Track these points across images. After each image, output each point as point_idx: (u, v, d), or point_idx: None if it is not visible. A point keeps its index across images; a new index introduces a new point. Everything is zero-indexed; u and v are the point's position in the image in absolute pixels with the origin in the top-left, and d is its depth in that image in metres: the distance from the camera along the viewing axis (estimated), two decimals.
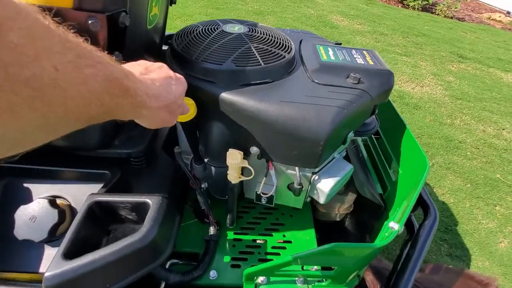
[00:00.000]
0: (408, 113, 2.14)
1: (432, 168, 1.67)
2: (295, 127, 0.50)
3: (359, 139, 0.96)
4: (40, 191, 0.61)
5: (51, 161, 0.62)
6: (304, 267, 0.64)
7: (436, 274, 0.92)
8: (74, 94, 0.22)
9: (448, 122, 2.11)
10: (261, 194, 0.63)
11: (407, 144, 0.72)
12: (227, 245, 0.70)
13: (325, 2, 4.19)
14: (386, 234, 0.58)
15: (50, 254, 0.56)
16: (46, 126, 0.22)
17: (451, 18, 4.92)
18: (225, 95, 0.51)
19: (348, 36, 3.27)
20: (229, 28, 0.61)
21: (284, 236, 0.74)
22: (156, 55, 0.71)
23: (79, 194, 0.61)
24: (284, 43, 0.61)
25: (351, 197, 0.79)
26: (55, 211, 0.55)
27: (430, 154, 1.77)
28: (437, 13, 4.97)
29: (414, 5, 4.92)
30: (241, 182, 0.68)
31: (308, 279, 0.63)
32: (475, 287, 0.79)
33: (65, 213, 0.57)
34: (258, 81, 0.54)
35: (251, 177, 0.58)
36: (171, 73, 0.40)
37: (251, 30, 0.61)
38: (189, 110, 0.50)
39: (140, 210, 0.52)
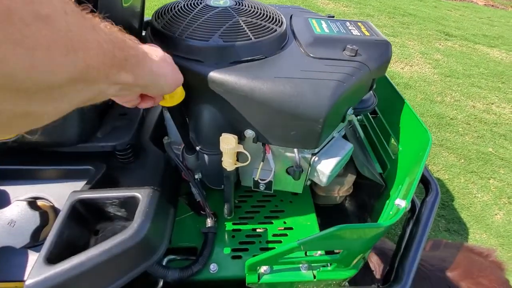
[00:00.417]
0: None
1: None
2: (293, 105, 0.47)
3: (355, 118, 0.93)
4: (18, 193, 0.56)
5: (28, 159, 0.57)
6: (308, 253, 0.62)
7: (437, 250, 0.92)
8: (89, 39, 0.23)
9: (438, 99, 2.11)
10: (259, 181, 0.60)
11: (407, 119, 0.69)
12: (226, 237, 0.67)
13: None
14: (391, 212, 0.56)
15: (35, 260, 0.52)
16: (76, 75, 0.23)
17: None
18: (214, 75, 0.47)
19: None
20: (213, 2, 0.55)
21: (284, 223, 0.71)
22: (137, 37, 0.65)
23: (62, 194, 0.56)
24: (275, 17, 0.56)
25: (350, 179, 0.76)
26: (36, 214, 0.50)
27: None
28: None
29: None
30: (237, 169, 0.64)
31: (313, 264, 0.61)
32: (476, 259, 0.79)
33: (47, 215, 0.53)
34: (250, 58, 0.49)
35: (248, 162, 0.54)
36: (160, 50, 0.40)
37: (238, 4, 0.56)
38: (176, 92, 0.45)
39: (130, 205, 0.47)
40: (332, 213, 0.90)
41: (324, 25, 0.61)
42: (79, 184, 0.56)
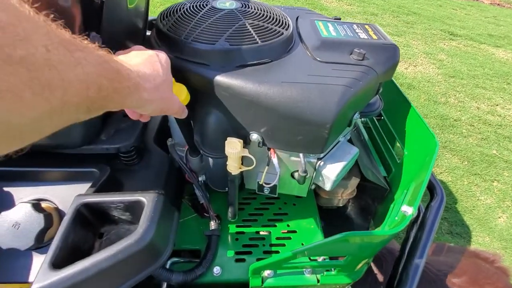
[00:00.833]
0: None
1: None
2: (299, 110, 0.46)
3: (359, 121, 0.92)
4: (23, 195, 0.56)
5: (33, 161, 0.57)
6: (311, 257, 0.62)
7: (440, 254, 0.91)
8: (71, 77, 0.22)
9: (442, 100, 2.09)
10: (264, 184, 0.60)
11: (413, 123, 0.69)
12: (229, 239, 0.66)
13: None
14: (397, 218, 0.55)
15: (40, 261, 0.52)
16: (51, 113, 0.22)
17: None
18: (220, 79, 0.46)
19: None
20: (219, 4, 0.55)
21: (288, 226, 0.71)
22: (139, 41, 0.65)
23: (66, 196, 0.56)
24: (281, 19, 0.56)
25: (354, 182, 0.76)
26: (41, 216, 0.50)
27: None
28: None
29: None
30: (241, 173, 0.64)
31: (316, 269, 0.60)
32: (482, 266, 0.79)
33: (51, 217, 0.53)
34: (256, 61, 0.49)
35: (253, 166, 0.54)
36: (150, 51, 0.38)
37: (244, 6, 0.55)
38: (179, 96, 0.44)
39: (135, 209, 0.47)
40: (335, 215, 0.90)
41: (331, 28, 0.60)
42: (83, 186, 0.56)
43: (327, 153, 0.58)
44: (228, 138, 0.51)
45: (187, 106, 0.47)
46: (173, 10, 0.55)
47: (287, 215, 0.73)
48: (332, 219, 0.89)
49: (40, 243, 0.51)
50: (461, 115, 1.96)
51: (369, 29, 0.62)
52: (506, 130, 1.87)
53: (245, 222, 0.70)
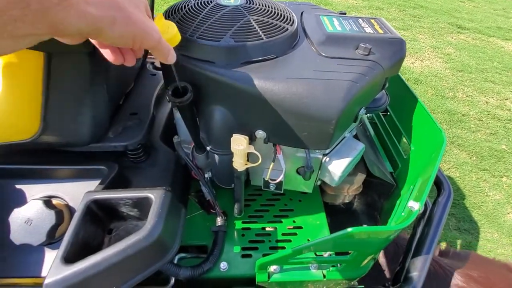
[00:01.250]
0: None
1: None
2: (305, 106, 0.46)
3: (365, 117, 0.92)
4: (34, 192, 0.57)
5: (43, 159, 0.58)
6: (318, 253, 0.62)
7: (457, 260, 0.88)
8: None
9: (450, 95, 2.06)
10: (269, 181, 0.60)
11: (420, 118, 0.68)
12: (236, 235, 0.67)
13: None
14: (403, 213, 0.55)
15: (51, 257, 0.53)
16: None
17: None
18: (225, 76, 0.46)
19: None
20: (224, 0, 0.55)
21: (294, 222, 0.71)
22: None
23: (76, 193, 0.57)
24: (286, 15, 0.56)
25: (360, 177, 0.75)
26: (52, 212, 0.52)
27: None
28: None
29: None
30: (247, 169, 0.64)
31: (322, 264, 0.61)
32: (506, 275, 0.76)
33: (62, 213, 0.54)
34: (261, 58, 0.49)
35: (258, 163, 0.54)
36: None
37: (248, 2, 0.55)
38: (166, 34, 0.37)
39: (143, 205, 0.48)
40: (341, 212, 0.90)
41: (336, 22, 0.60)
42: (92, 183, 0.57)
43: (333, 149, 0.58)
44: (233, 135, 0.51)
45: (192, 103, 0.47)
46: (178, 7, 0.55)
47: (293, 211, 0.73)
48: (338, 216, 0.89)
49: (52, 239, 0.52)
50: (469, 110, 1.93)
51: (375, 23, 0.61)
52: None
53: (251, 218, 0.71)
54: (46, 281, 0.37)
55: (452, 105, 1.95)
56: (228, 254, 0.63)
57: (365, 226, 0.80)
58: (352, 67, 0.50)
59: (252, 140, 0.53)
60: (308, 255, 0.58)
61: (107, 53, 0.35)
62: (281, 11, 0.56)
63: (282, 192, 0.66)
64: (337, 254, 0.60)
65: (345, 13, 0.67)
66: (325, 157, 0.56)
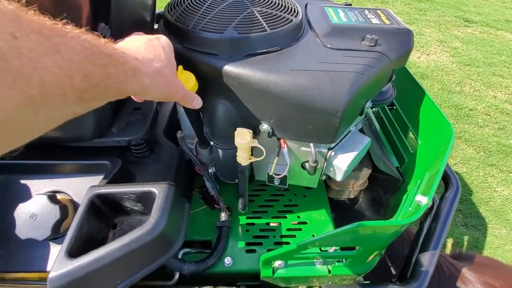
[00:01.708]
0: None
1: None
2: (309, 99, 0.45)
3: (370, 111, 0.90)
4: (39, 187, 0.57)
5: (47, 154, 0.58)
6: (323, 248, 0.61)
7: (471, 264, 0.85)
8: (48, 64, 0.21)
9: (457, 89, 2.03)
10: (274, 175, 0.59)
11: (427, 112, 0.67)
12: (240, 230, 0.67)
13: None
14: (410, 208, 0.54)
15: (56, 251, 0.53)
16: (31, 105, 0.20)
17: None
18: (229, 68, 0.46)
19: None
20: None
21: (298, 217, 0.70)
22: (150, 30, 0.65)
23: (80, 187, 0.57)
24: (290, 6, 0.54)
25: (365, 173, 0.74)
26: (56, 207, 0.52)
27: None
28: None
29: None
30: (251, 164, 0.63)
31: (327, 260, 0.60)
32: None
33: (67, 208, 0.54)
34: (265, 50, 0.48)
35: (262, 157, 0.53)
36: (150, 36, 0.37)
37: None
38: (187, 85, 0.44)
39: (146, 200, 0.48)
40: (346, 207, 0.89)
41: (341, 13, 0.58)
42: (96, 178, 0.57)
43: (338, 143, 0.57)
44: (237, 129, 0.50)
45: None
46: (181, 0, 0.54)
47: (297, 206, 0.72)
48: (343, 211, 0.88)
49: (57, 234, 0.52)
50: (476, 104, 1.89)
51: (381, 14, 0.60)
52: None
53: (256, 213, 0.70)
54: (50, 275, 0.37)
55: (459, 99, 1.92)
56: (233, 249, 0.62)
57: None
58: (358, 58, 0.49)
59: (256, 134, 0.52)
60: (313, 251, 0.57)
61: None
62: (285, 2, 0.55)
63: (286, 187, 0.66)
64: (342, 249, 0.59)
65: (350, 4, 0.66)
66: (330, 151, 0.55)
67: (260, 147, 0.52)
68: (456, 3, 3.58)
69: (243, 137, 0.50)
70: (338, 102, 0.45)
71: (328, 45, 0.51)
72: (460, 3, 3.59)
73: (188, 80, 0.43)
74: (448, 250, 1.10)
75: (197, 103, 0.43)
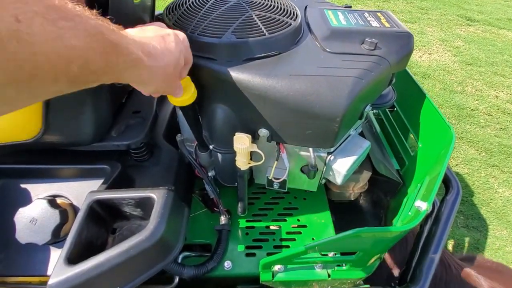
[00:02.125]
0: None
1: None
2: (308, 104, 0.45)
3: (371, 113, 0.90)
4: (39, 191, 0.57)
5: (47, 159, 0.58)
6: (322, 252, 0.61)
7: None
8: (47, 50, 0.20)
9: (459, 89, 2.01)
10: (273, 179, 0.59)
11: (428, 115, 0.66)
12: (239, 234, 0.67)
13: None
14: (410, 213, 0.54)
15: (56, 255, 0.54)
16: (14, 85, 0.19)
17: None
18: (227, 73, 0.45)
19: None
20: None
21: (298, 220, 0.70)
22: None
23: (80, 192, 0.57)
24: (289, 9, 0.54)
25: (366, 175, 0.74)
26: (56, 212, 0.52)
27: None
28: None
29: None
30: (251, 168, 0.63)
31: (327, 264, 0.60)
32: None
33: (67, 212, 0.54)
34: (263, 54, 0.48)
35: (261, 162, 0.53)
36: (168, 30, 0.36)
37: None
38: (187, 92, 0.44)
39: (145, 205, 0.48)
40: (346, 209, 0.88)
41: (341, 16, 0.58)
42: (96, 182, 0.57)
43: (338, 147, 0.56)
44: (236, 134, 0.50)
45: (194, 101, 0.46)
46: (179, 3, 0.54)
47: (297, 209, 0.72)
48: (344, 213, 0.87)
49: (57, 238, 0.52)
50: (478, 105, 1.88)
51: (381, 17, 0.59)
52: None
53: (255, 216, 0.70)
54: (50, 281, 0.37)
55: (461, 99, 1.91)
56: (232, 253, 0.62)
57: (370, 226, 0.79)
58: (357, 62, 0.48)
59: (255, 138, 0.52)
60: (313, 255, 0.57)
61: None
62: (284, 5, 0.55)
63: (286, 190, 0.66)
64: (342, 253, 0.59)
65: (350, 7, 0.65)
66: (330, 155, 0.55)
67: (259, 151, 0.52)
68: (458, 1, 3.55)
69: (242, 142, 0.50)
70: (337, 107, 0.45)
71: (327, 49, 0.51)
72: (462, 2, 3.56)
73: (188, 89, 0.43)
74: (450, 251, 1.09)
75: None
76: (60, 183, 0.58)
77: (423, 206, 0.46)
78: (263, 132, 0.51)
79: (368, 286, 0.62)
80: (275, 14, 0.52)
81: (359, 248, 0.50)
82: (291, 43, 0.51)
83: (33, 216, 0.51)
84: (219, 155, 0.58)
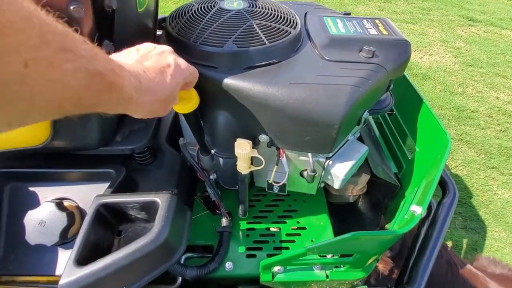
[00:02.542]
0: (417, 84, 2.05)
1: None
2: (307, 111, 0.46)
3: (370, 117, 0.91)
4: (46, 194, 0.59)
5: (54, 163, 0.60)
6: (321, 254, 0.63)
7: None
8: (45, 91, 0.20)
9: (459, 91, 2.02)
10: (273, 183, 0.61)
11: (425, 119, 0.68)
12: (240, 235, 0.68)
13: None
14: (406, 216, 0.55)
15: (64, 256, 0.56)
16: (4, 116, 0.19)
17: None
18: (228, 81, 0.47)
19: (350, 6, 3.09)
20: (227, 4, 0.55)
21: (298, 222, 0.72)
22: (151, 41, 0.66)
23: (86, 194, 0.59)
24: (289, 18, 0.56)
25: (364, 178, 0.75)
26: (64, 214, 0.54)
27: None
28: None
29: None
30: (251, 171, 0.65)
31: (326, 265, 0.62)
32: None
33: (74, 215, 0.56)
34: (264, 63, 0.49)
35: (262, 166, 0.55)
36: (170, 59, 0.36)
37: (251, 5, 0.55)
38: (190, 100, 0.46)
39: (150, 208, 0.50)
40: (345, 211, 0.90)
41: (340, 24, 0.59)
42: (101, 186, 0.59)
43: (336, 152, 0.58)
44: (237, 140, 0.52)
45: (197, 108, 0.48)
46: (182, 12, 0.55)
47: (297, 212, 0.74)
48: (343, 215, 0.89)
49: (64, 239, 0.54)
50: (478, 106, 1.89)
51: (380, 24, 0.61)
52: None
53: (256, 218, 0.72)
54: (61, 282, 0.39)
55: (461, 101, 1.91)
56: (233, 254, 0.64)
57: (368, 228, 0.80)
58: (355, 70, 0.50)
59: (255, 144, 0.54)
60: (312, 257, 0.59)
61: None
62: (284, 14, 0.56)
63: (285, 193, 0.67)
64: (340, 255, 0.61)
65: (349, 14, 0.67)
66: (328, 160, 0.57)
67: (260, 157, 0.53)
68: (460, 1, 3.54)
69: (243, 148, 0.51)
70: (335, 114, 0.46)
71: (326, 57, 0.52)
72: (464, 2, 3.55)
73: (190, 98, 0.45)
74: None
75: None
76: (67, 186, 0.60)
77: (418, 210, 0.48)
78: (263, 138, 0.52)
79: (365, 286, 0.63)
80: (275, 22, 0.53)
81: (356, 250, 0.52)
82: (291, 51, 0.53)
83: (42, 218, 0.53)
84: (221, 160, 0.60)
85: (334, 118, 0.46)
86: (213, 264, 0.59)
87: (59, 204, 0.55)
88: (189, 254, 0.64)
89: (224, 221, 0.66)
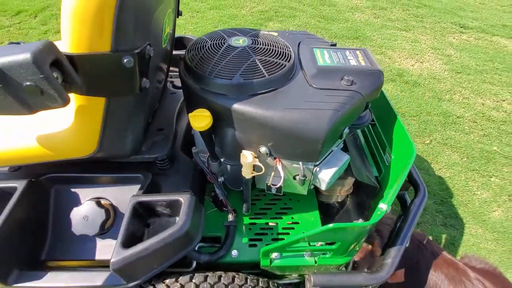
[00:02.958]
0: (407, 91, 2.18)
1: (429, 145, 1.75)
2: (298, 130, 0.60)
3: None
4: (86, 194, 0.73)
5: (91, 169, 0.73)
6: (311, 243, 0.76)
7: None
8: None
9: (447, 97, 2.15)
10: (271, 185, 0.74)
11: (398, 132, 0.81)
12: (244, 229, 0.82)
13: None
14: (379, 213, 0.69)
15: (102, 244, 0.69)
16: None
17: None
18: (236, 106, 0.60)
19: (347, 13, 3.21)
20: (234, 41, 0.68)
21: (292, 218, 0.85)
22: (168, 59, 0.80)
23: (118, 195, 0.72)
24: (284, 52, 0.69)
25: (350, 180, 0.89)
26: (102, 210, 0.67)
27: (428, 131, 1.84)
28: None
29: None
30: (253, 176, 0.78)
31: (314, 252, 0.75)
32: None
33: (109, 211, 0.69)
34: (264, 91, 0.62)
35: (262, 172, 0.68)
36: None
37: (254, 42, 0.68)
38: (205, 120, 0.58)
39: (174, 206, 0.63)
40: (335, 210, 1.03)
41: (326, 55, 0.72)
42: (131, 187, 0.72)
43: (322, 160, 0.71)
44: (242, 151, 0.65)
45: (210, 125, 0.61)
46: (197, 47, 0.68)
47: (291, 209, 0.87)
48: (333, 213, 1.02)
49: (102, 231, 0.68)
50: (464, 112, 2.02)
51: (359, 55, 0.74)
52: (510, 126, 1.92)
53: (257, 215, 0.85)
54: (113, 260, 0.52)
55: (448, 107, 2.05)
56: (238, 244, 0.77)
57: (345, 222, 0.93)
58: (336, 97, 0.63)
59: (257, 154, 0.67)
60: (303, 245, 0.72)
61: None
62: (280, 48, 0.70)
63: (281, 194, 0.80)
64: (327, 244, 0.74)
65: (335, 44, 0.80)
66: (316, 167, 0.70)
67: (260, 164, 0.66)
68: (454, 8, 3.67)
69: (246, 157, 0.65)
70: (320, 132, 0.60)
71: (314, 85, 0.65)
72: (458, 8, 3.67)
73: (204, 119, 0.57)
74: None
75: None
76: (102, 187, 0.73)
77: (383, 207, 0.61)
78: (263, 149, 0.66)
79: (345, 270, 0.76)
80: (273, 57, 0.66)
81: (337, 238, 0.65)
82: (285, 79, 0.66)
83: (85, 213, 0.66)
84: (228, 166, 0.73)
85: (319, 135, 0.60)
86: (222, 252, 0.73)
87: (98, 202, 0.68)
88: (201, 244, 0.77)
89: (230, 217, 0.79)
